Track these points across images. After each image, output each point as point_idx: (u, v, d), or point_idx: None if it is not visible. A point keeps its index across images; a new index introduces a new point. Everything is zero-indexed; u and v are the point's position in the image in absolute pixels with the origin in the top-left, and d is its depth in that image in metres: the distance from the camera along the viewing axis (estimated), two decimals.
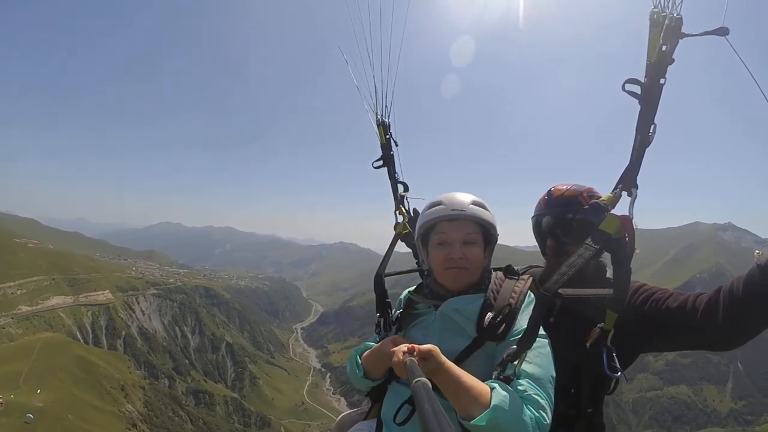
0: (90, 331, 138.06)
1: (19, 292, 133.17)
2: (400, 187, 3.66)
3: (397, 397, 2.27)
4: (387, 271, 2.94)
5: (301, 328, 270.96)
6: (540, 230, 2.93)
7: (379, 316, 2.63)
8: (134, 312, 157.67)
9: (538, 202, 2.99)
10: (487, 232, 2.40)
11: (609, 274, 2.64)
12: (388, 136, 3.71)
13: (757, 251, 1.95)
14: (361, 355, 2.44)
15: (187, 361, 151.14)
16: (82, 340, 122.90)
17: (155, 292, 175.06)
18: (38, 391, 75.06)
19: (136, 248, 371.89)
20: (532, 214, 3.03)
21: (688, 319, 2.18)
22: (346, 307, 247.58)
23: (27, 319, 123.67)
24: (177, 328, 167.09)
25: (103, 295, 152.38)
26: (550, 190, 2.93)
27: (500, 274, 2.47)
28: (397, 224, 3.48)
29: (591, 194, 2.70)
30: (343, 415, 3.18)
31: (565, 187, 2.85)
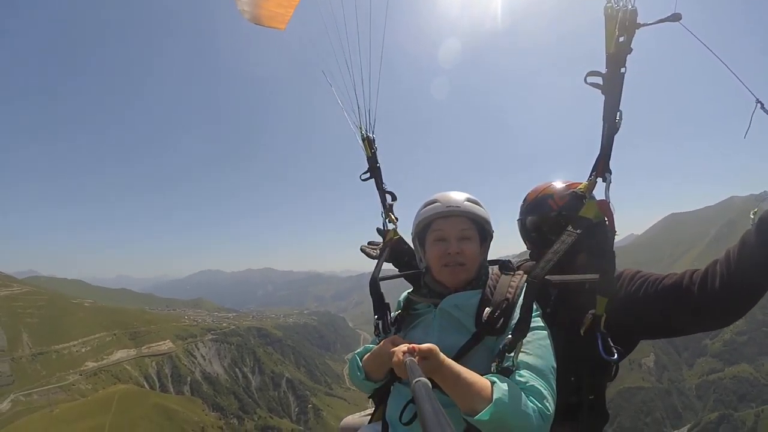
0: (156, 380, 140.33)
1: (83, 350, 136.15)
2: (388, 197, 3.78)
3: (400, 397, 2.30)
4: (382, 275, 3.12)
5: None
6: (525, 231, 3.04)
7: (377, 318, 2.66)
8: (196, 358, 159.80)
9: (520, 206, 3.11)
10: (482, 228, 2.45)
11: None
12: (374, 150, 3.88)
13: (753, 210, 1.92)
14: (362, 357, 2.44)
15: (251, 400, 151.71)
16: (147, 389, 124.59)
17: (212, 337, 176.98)
18: None
19: (182, 298, 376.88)
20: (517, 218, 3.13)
21: (686, 293, 2.11)
22: None
23: (95, 375, 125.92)
24: (237, 370, 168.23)
25: (165, 345, 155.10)
26: (528, 193, 3.06)
27: (496, 269, 2.51)
28: (387, 231, 3.66)
29: (562, 195, 2.78)
30: (347, 418, 3.33)
31: (538, 189, 2.98)
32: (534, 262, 2.79)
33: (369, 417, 2.90)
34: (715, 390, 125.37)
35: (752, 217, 1.91)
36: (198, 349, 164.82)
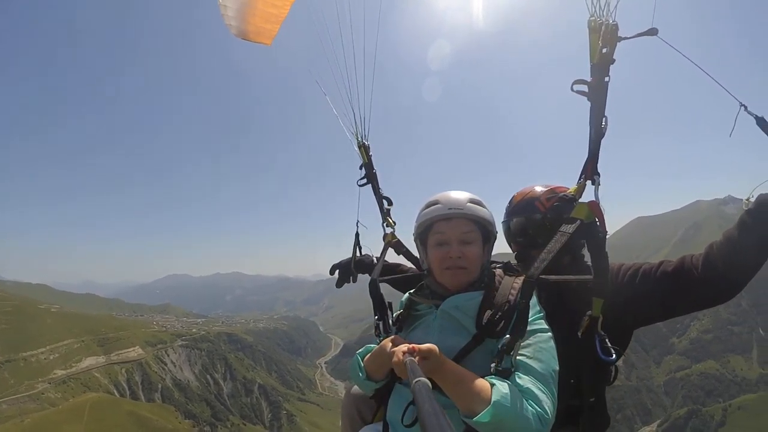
0: (127, 388, 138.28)
1: (51, 357, 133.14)
2: (385, 202, 3.84)
3: (401, 398, 2.30)
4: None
5: (325, 363, 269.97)
6: (510, 233, 3.06)
7: (378, 319, 2.67)
8: (166, 365, 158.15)
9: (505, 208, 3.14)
10: (484, 230, 2.42)
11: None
12: (370, 155, 3.92)
13: (745, 199, 2.07)
14: (364, 357, 2.42)
15: (223, 406, 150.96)
16: (119, 397, 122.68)
17: (182, 343, 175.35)
18: None
19: (149, 303, 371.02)
20: (502, 220, 3.13)
21: (690, 277, 2.22)
22: (366, 336, 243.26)
23: (64, 383, 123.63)
24: (208, 376, 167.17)
25: (134, 352, 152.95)
26: (513, 196, 3.08)
27: (500, 271, 2.50)
28: (385, 235, 3.73)
29: (551, 196, 2.80)
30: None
31: (525, 191, 3.00)
32: (521, 263, 2.94)
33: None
34: (683, 386, 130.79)
35: (746, 202, 2.06)
36: (168, 356, 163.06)
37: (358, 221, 3.85)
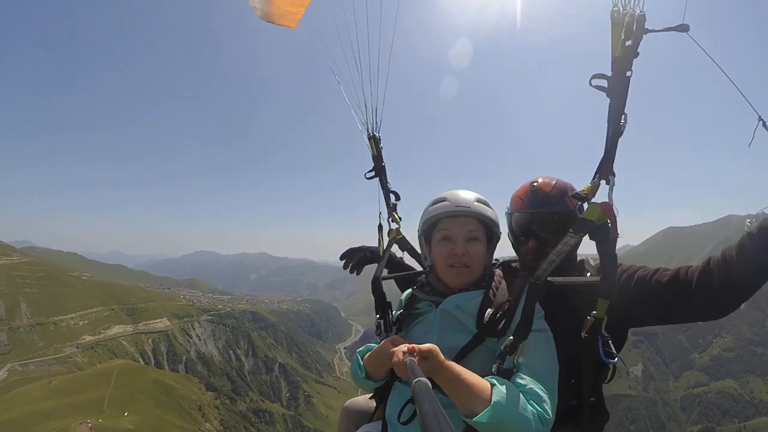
0: (152, 357, 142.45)
1: (81, 323, 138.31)
2: (392, 196, 3.77)
3: (400, 397, 2.31)
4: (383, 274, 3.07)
5: (344, 348, 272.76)
6: (518, 227, 2.86)
7: (379, 318, 2.65)
8: (191, 337, 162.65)
9: (516, 197, 2.90)
10: (489, 230, 2.44)
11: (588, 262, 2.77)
12: (379, 149, 3.84)
13: (748, 221, 1.99)
14: (364, 356, 2.45)
15: (243, 382, 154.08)
16: (145, 365, 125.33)
17: (208, 318, 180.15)
18: (125, 414, 77.43)
19: (176, 277, 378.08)
20: (507, 210, 2.97)
21: (683, 289, 2.18)
22: None
23: (91, 348, 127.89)
24: (231, 352, 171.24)
25: (161, 323, 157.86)
26: (533, 185, 2.84)
27: (499, 270, 2.52)
28: (390, 230, 3.65)
29: (574, 192, 2.52)
30: (351, 399, 3.35)
31: (551, 183, 2.80)
32: (523, 262, 2.83)
33: (371, 409, 3.00)
34: (699, 403, 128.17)
35: (748, 224, 1.97)
36: (194, 329, 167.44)
37: (380, 213, 3.74)
